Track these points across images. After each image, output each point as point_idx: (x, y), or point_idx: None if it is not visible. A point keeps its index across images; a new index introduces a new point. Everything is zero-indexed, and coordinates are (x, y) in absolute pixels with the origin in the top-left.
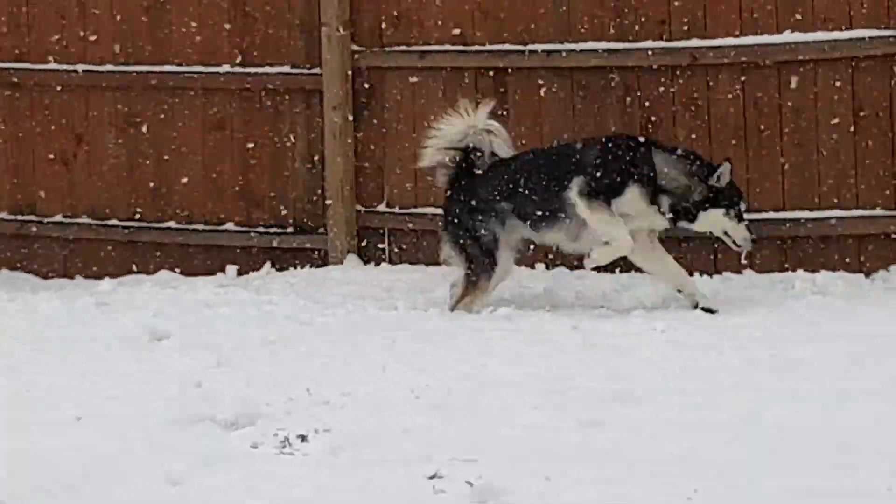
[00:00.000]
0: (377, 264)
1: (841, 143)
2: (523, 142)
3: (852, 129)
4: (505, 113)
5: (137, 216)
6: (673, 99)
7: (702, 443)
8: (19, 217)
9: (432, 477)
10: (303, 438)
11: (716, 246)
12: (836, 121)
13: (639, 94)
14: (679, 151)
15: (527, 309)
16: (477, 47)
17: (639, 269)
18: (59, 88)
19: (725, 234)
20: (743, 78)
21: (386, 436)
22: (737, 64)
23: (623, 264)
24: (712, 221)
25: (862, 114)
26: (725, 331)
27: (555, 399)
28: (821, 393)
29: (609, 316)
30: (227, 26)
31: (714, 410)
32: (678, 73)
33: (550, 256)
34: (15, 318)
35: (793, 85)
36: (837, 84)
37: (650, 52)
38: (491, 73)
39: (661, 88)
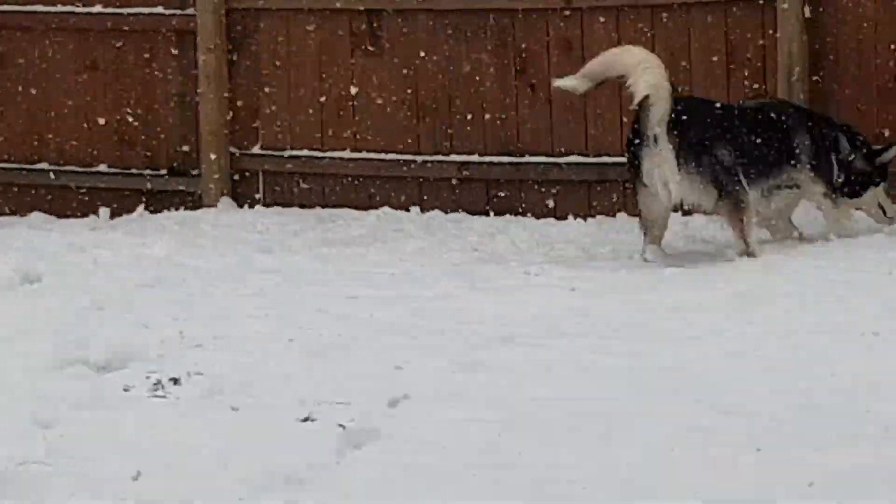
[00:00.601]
0: (251, 207)
1: (714, 88)
2: (396, 84)
3: (725, 73)
4: (378, 55)
5: (9, 157)
6: (548, 43)
7: (579, 386)
8: None
9: (305, 420)
10: (175, 381)
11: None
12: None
13: (513, 37)
14: (854, 133)
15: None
16: None
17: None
18: None
19: (880, 206)
20: (617, 21)
21: (259, 379)
22: (612, 7)
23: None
24: (874, 196)
25: (733, 57)
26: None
27: (431, 340)
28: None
29: (486, 260)
30: None
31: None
32: (553, 16)
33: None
34: None
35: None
36: (712, 28)
37: None
38: (365, 15)
39: (537, 32)
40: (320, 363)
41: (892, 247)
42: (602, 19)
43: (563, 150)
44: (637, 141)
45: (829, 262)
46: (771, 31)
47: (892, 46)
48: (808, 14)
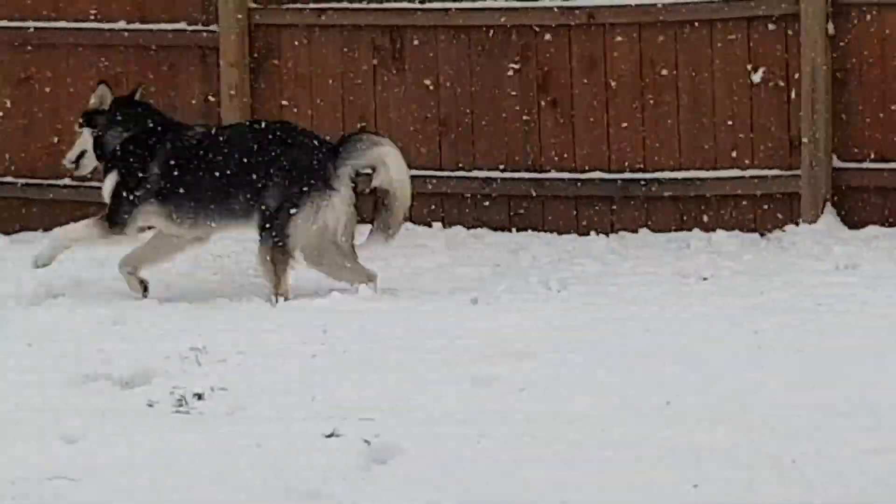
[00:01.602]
0: None
1: (737, 104)
2: (418, 100)
3: (749, 88)
4: (401, 71)
5: (32, 173)
6: (570, 58)
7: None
8: None
9: (330, 435)
10: (199, 397)
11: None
12: (733, 80)
13: (536, 53)
14: None
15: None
16: (374, 5)
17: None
18: None
19: None
20: (639, 37)
21: (283, 394)
22: (634, 23)
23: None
24: None
25: (758, 73)
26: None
27: (449, 357)
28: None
29: (507, 276)
30: None
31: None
32: (575, 32)
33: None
34: None
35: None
36: (734, 43)
37: (549, 11)
38: (388, 31)
39: (559, 48)
40: (343, 378)
41: None
42: (624, 35)
43: (585, 166)
44: None
45: None
46: (794, 47)
47: None
48: (831, 30)
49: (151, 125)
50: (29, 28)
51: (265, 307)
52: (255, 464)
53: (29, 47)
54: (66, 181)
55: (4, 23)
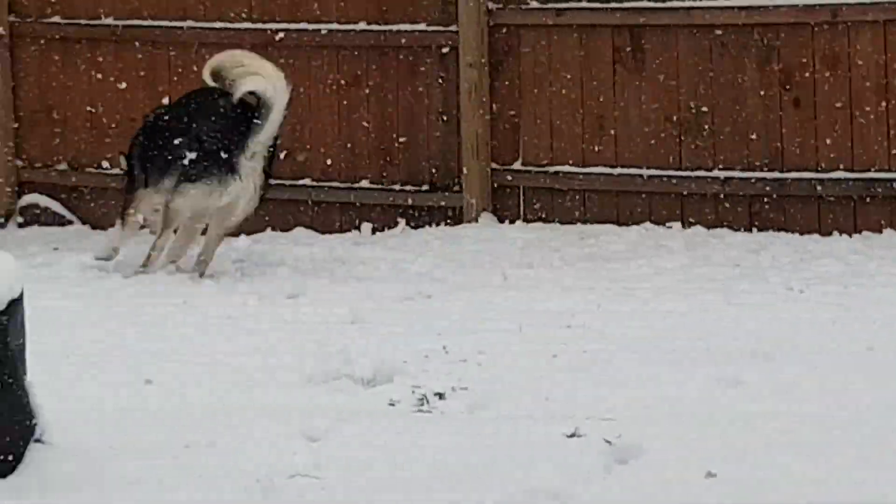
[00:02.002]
0: (512, 223)
1: None
2: (658, 99)
3: None
4: (640, 70)
5: (274, 173)
6: (812, 56)
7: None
8: None
9: (571, 435)
10: (440, 396)
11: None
12: None
13: (777, 51)
14: None
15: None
16: (614, 4)
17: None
18: (196, 46)
19: None
20: (885, 34)
21: (523, 394)
22: (878, 21)
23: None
24: None
25: None
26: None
27: (693, 357)
28: None
29: (748, 276)
30: None
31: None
32: (818, 30)
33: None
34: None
35: None
36: None
37: (790, 9)
38: (627, 31)
39: (802, 46)
40: (583, 378)
41: None
42: (868, 33)
43: (827, 165)
44: None
45: None
46: None
47: None
48: None
49: None
50: (270, 30)
51: (504, 306)
52: (495, 463)
53: (269, 48)
54: (306, 181)
55: (247, 24)
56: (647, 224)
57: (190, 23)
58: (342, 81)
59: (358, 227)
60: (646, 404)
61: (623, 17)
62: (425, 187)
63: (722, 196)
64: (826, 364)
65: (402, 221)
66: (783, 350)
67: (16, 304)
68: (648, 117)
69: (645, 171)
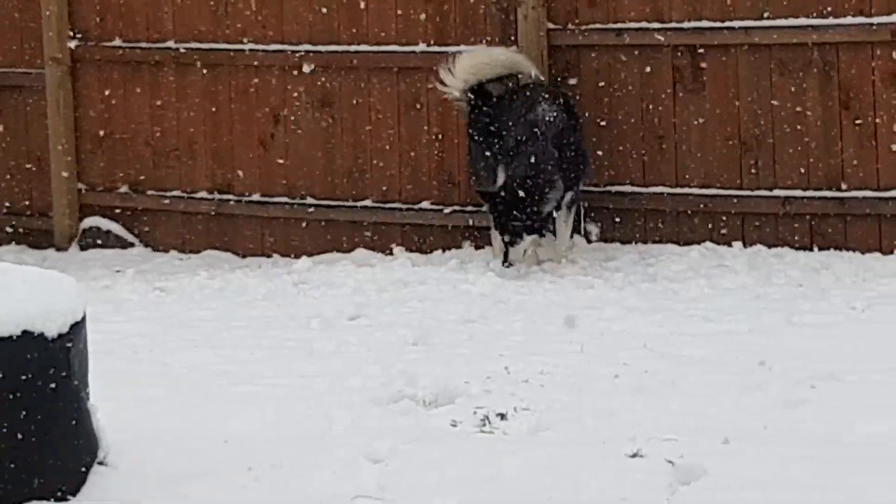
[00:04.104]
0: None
1: None
2: (718, 119)
3: None
4: (700, 90)
5: (334, 195)
6: (872, 74)
7: None
8: (217, 196)
9: (633, 456)
10: (502, 417)
11: None
12: None
13: (837, 70)
14: None
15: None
16: (674, 24)
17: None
18: (256, 68)
19: None
20: None
21: (586, 415)
22: None
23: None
24: None
25: None
26: None
27: (755, 378)
28: None
29: (809, 296)
30: (425, 5)
31: None
32: (879, 48)
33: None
34: (216, 298)
35: None
36: None
37: (850, 28)
38: (687, 51)
39: (862, 64)
40: (645, 399)
41: None
42: None
43: (887, 183)
44: None
45: None
46: None
47: None
48: None
49: None
50: (330, 52)
51: (565, 328)
52: (558, 484)
53: (329, 69)
54: (367, 202)
55: (307, 46)
56: (708, 243)
57: (251, 45)
58: (402, 103)
59: (420, 249)
60: (708, 425)
61: (682, 36)
62: (485, 208)
63: (782, 215)
64: (888, 384)
65: (466, 243)
66: (847, 370)
67: (79, 326)
68: (708, 136)
69: (705, 191)
